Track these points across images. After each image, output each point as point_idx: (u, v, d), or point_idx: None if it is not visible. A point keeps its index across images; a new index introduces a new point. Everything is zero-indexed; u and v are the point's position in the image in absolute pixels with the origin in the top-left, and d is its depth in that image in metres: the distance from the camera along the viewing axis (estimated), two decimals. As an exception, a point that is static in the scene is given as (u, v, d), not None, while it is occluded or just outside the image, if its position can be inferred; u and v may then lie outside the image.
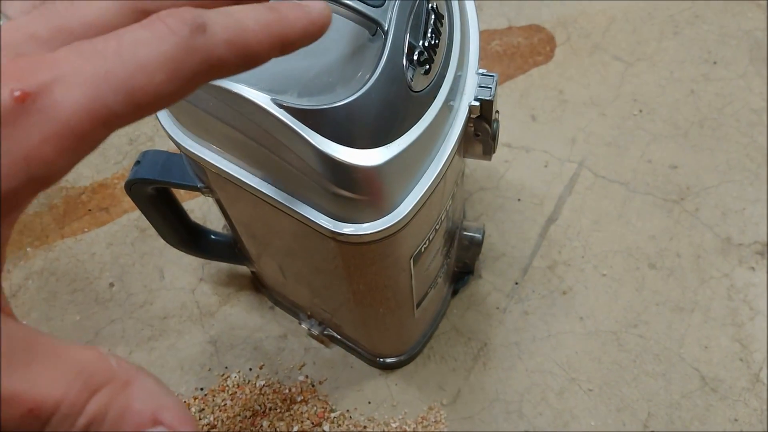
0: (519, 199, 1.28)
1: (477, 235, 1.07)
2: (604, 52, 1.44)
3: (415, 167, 0.74)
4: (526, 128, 1.36)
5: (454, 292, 1.17)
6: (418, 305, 0.98)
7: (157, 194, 0.96)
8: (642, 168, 1.30)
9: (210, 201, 1.22)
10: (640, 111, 1.37)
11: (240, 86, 0.61)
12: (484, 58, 1.41)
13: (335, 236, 0.71)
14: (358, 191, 0.69)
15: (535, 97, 1.40)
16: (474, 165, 1.32)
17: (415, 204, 0.73)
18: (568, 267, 1.19)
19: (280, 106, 0.62)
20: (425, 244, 0.85)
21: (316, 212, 0.72)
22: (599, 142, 1.33)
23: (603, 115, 1.37)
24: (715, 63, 1.41)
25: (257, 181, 0.73)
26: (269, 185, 0.72)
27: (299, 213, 0.72)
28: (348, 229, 0.71)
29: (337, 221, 0.71)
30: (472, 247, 1.08)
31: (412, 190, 0.74)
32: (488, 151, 0.86)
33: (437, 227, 0.87)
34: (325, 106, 0.64)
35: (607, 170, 1.30)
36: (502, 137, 1.35)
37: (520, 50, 1.45)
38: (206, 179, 0.86)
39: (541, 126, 1.37)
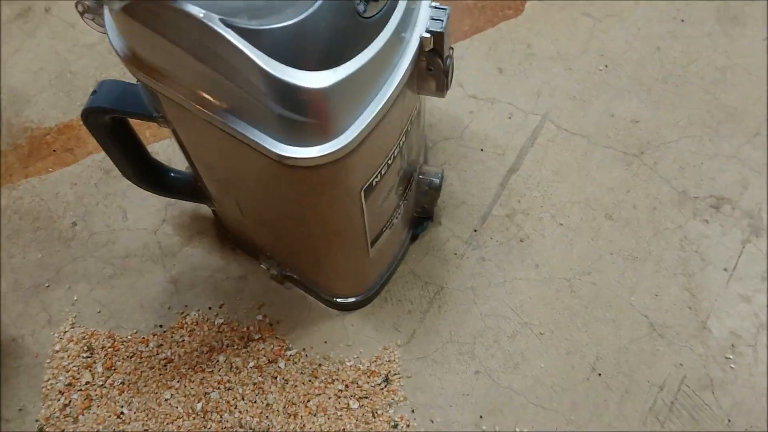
0: (482, 149, 1.29)
1: (435, 179, 1.08)
2: (574, 8, 1.44)
3: (362, 94, 0.74)
4: (492, 81, 1.37)
5: (413, 238, 1.18)
6: (372, 243, 0.99)
7: (114, 125, 0.96)
8: (604, 122, 1.31)
9: (175, 145, 1.22)
10: (606, 66, 1.38)
11: (192, 6, 0.62)
12: (454, 10, 1.41)
13: (283, 160, 0.72)
14: (304, 113, 0.70)
15: (503, 50, 1.41)
16: (439, 115, 1.33)
17: (362, 130, 0.74)
18: (526, 216, 1.21)
19: (229, 26, 0.63)
20: (377, 177, 0.86)
21: (265, 136, 0.72)
22: (564, 96, 1.35)
23: (569, 69, 1.38)
24: (682, 21, 1.42)
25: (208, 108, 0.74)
26: (219, 110, 0.73)
27: (248, 137, 0.72)
28: (295, 152, 0.71)
29: (285, 145, 0.71)
30: (430, 191, 1.09)
31: (359, 116, 0.74)
32: (441, 87, 0.87)
33: (389, 162, 0.88)
34: (273, 26, 0.64)
35: (570, 123, 1.31)
36: (468, 89, 1.36)
37: (490, 4, 1.46)
38: (161, 108, 0.86)
39: (507, 79, 1.38)
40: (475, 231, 1.19)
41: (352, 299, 1.10)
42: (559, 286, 1.14)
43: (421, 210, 1.13)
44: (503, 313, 1.12)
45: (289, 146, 0.72)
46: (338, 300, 1.10)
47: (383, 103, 0.75)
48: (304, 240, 0.97)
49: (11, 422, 1.08)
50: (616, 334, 1.09)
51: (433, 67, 0.82)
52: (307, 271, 1.09)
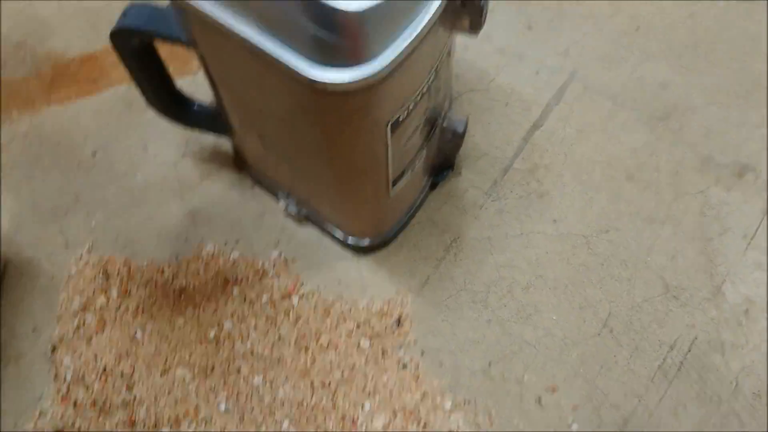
0: (507, 104, 1.28)
1: (459, 127, 1.08)
2: (609, -33, 1.42)
3: (397, 21, 0.74)
4: (521, 36, 1.36)
5: (433, 186, 1.18)
6: (394, 183, 0.99)
7: (142, 50, 0.96)
8: (631, 84, 1.30)
9: (198, 81, 1.22)
10: (637, 29, 1.36)
11: None
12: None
13: (313, 84, 0.72)
14: (339, 35, 0.69)
15: (534, 7, 1.39)
16: (466, 67, 1.32)
17: (395, 58, 0.73)
18: (547, 171, 1.21)
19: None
20: (404, 113, 0.86)
21: (296, 59, 0.72)
22: (592, 56, 1.33)
23: (600, 30, 1.36)
24: (717, -12, 1.39)
25: (240, 26, 0.73)
26: (252, 30, 0.72)
27: (279, 59, 0.72)
28: (326, 76, 0.71)
29: (316, 70, 0.71)
30: (453, 138, 1.09)
31: (392, 44, 0.74)
32: (475, 26, 0.86)
33: (417, 98, 0.88)
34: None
35: (597, 83, 1.30)
36: (497, 43, 1.35)
37: (524, -42, 1.43)
38: (191, 30, 0.86)
39: (536, 35, 1.36)
40: (496, 183, 1.19)
41: (369, 242, 1.10)
42: (575, 242, 1.13)
43: (443, 158, 1.12)
44: (518, 264, 1.12)
45: (320, 71, 0.71)
46: (354, 242, 1.10)
47: (417, 32, 0.74)
48: (325, 177, 0.97)
49: (25, 341, 1.09)
50: (630, 292, 1.09)
51: (467, 3, 0.81)
52: (325, 210, 1.09)
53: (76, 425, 1.02)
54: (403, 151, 0.95)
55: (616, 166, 1.21)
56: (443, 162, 1.14)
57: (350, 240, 1.11)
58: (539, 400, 1.03)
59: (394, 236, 1.14)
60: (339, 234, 1.12)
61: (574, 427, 1.02)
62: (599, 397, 1.04)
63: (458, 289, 1.11)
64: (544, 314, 1.09)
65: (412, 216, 1.15)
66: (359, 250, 1.13)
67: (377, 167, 0.93)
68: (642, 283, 1.11)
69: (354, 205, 1.03)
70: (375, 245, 1.12)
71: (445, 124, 1.07)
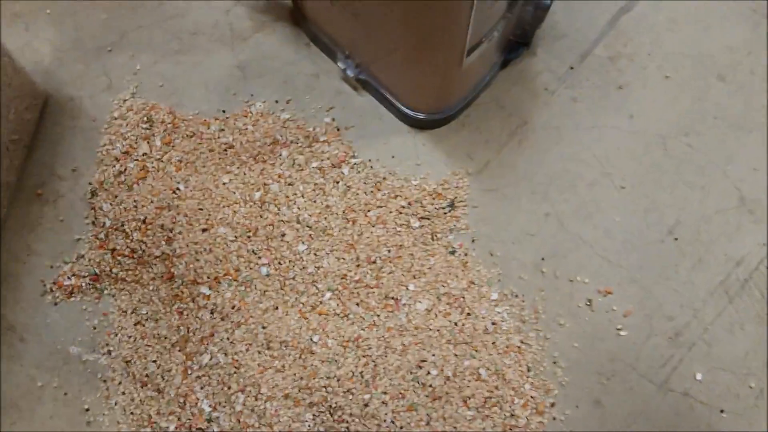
0: (595, -19, 1.15)
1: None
2: None
3: None
4: None
5: (504, 64, 1.08)
6: (469, 52, 0.89)
7: None
8: (739, -28, 1.15)
9: None
10: None
11: None
12: None
13: None
14: None
15: None
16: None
17: None
18: (630, 62, 1.10)
19: None
20: (496, -30, 0.75)
21: None
22: (699, -65, 1.18)
23: None
24: None
25: None
26: None
27: None
28: None
29: None
30: (537, 11, 0.98)
31: None
32: None
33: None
34: None
35: (700, -33, 1.15)
36: None
37: None
38: None
39: None
40: (572, 68, 1.08)
41: (429, 116, 1.02)
42: (651, 141, 1.04)
43: (520, 33, 1.02)
44: (585, 159, 1.04)
45: None
46: (414, 114, 1.02)
47: None
48: (396, 37, 0.88)
49: (64, 181, 1.05)
50: (703, 201, 1.01)
51: None
52: (387, 77, 1.00)
53: (113, 272, 0.99)
54: (487, 14, 0.85)
55: (707, 64, 1.10)
56: (520, 37, 1.04)
57: (410, 112, 1.03)
58: (590, 302, 0.99)
59: (457, 114, 1.06)
60: (398, 105, 1.04)
61: (623, 333, 0.97)
62: (653, 305, 0.99)
63: (518, 178, 1.04)
64: (606, 214, 1.03)
65: (478, 95, 1.06)
66: (418, 124, 1.06)
67: (456, 30, 0.84)
68: (717, 192, 1.03)
69: (421, 72, 0.94)
70: (436, 120, 1.04)
71: (531, -6, 0.96)
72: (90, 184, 1.05)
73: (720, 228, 1.01)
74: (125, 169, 1.03)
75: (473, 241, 1.02)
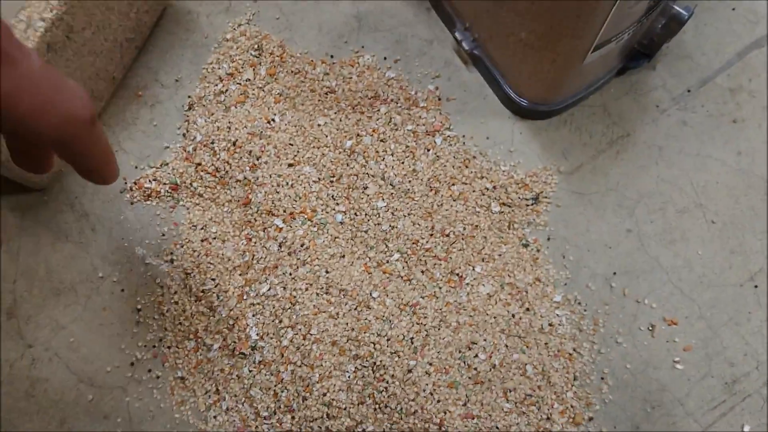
0: (733, 9, 1.11)
1: (683, 12, 0.93)
2: None
3: None
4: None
5: (622, 71, 1.05)
6: (595, 49, 0.87)
7: None
8: None
9: None
10: None
11: None
12: None
13: None
14: None
15: None
16: (702, -48, 1.14)
17: None
18: (751, 98, 1.06)
19: None
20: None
21: None
22: None
23: None
24: None
25: None
26: None
27: None
28: None
29: None
30: (671, 23, 0.94)
31: None
32: None
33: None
34: None
35: None
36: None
37: None
38: None
39: (797, -59, 1.15)
40: (689, 91, 1.05)
41: (534, 105, 1.00)
42: (753, 183, 1.01)
43: (647, 43, 0.99)
44: (682, 185, 1.01)
45: None
46: (519, 100, 1.01)
47: None
48: (524, 20, 0.86)
49: (166, 89, 1.07)
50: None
51: None
52: (502, 56, 0.99)
53: (193, 186, 1.01)
54: (624, 15, 0.83)
55: (831, 118, 1.05)
56: (645, 48, 1.01)
57: (515, 97, 1.01)
58: (652, 328, 0.96)
59: (562, 109, 1.04)
60: (506, 87, 1.02)
61: (679, 366, 0.95)
62: (716, 347, 0.96)
63: (609, 188, 1.02)
64: (690, 244, 0.99)
65: (588, 96, 1.04)
66: (520, 112, 1.04)
67: (590, 24, 0.82)
68: (810, 250, 0.99)
69: (540, 60, 0.93)
70: (539, 111, 1.02)
71: (670, 3, 0.93)
72: (189, 97, 1.07)
73: (805, 286, 0.97)
74: (226, 90, 1.04)
75: (549, 239, 1.00)
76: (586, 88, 1.03)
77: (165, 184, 1.03)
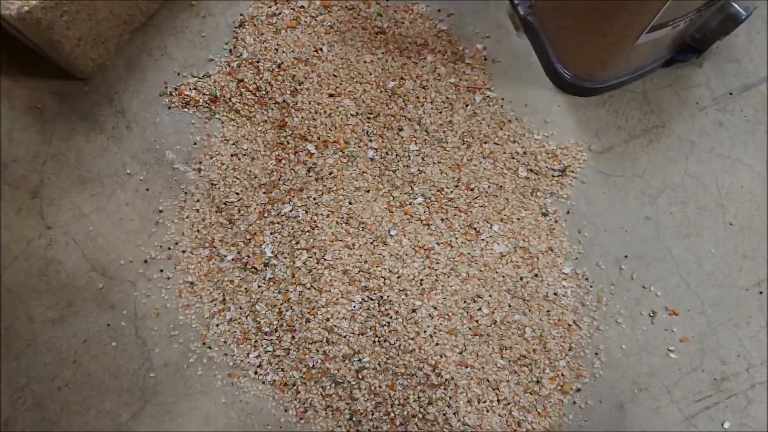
0: (789, 21, 1.11)
1: (741, 12, 0.94)
2: None
3: None
4: None
5: (669, 62, 1.06)
6: (650, 30, 0.88)
7: None
8: None
9: None
10: None
11: None
12: None
13: None
14: None
15: None
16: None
17: None
18: (790, 111, 1.06)
19: None
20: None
21: None
22: None
23: None
24: None
25: None
26: None
27: None
28: None
29: None
30: (726, 21, 0.95)
31: None
32: None
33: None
34: None
35: None
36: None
37: None
38: None
39: None
40: (731, 94, 1.06)
41: (578, 81, 1.02)
42: (777, 193, 1.02)
43: (699, 38, 1.00)
44: (707, 183, 1.02)
45: None
46: (564, 73, 1.02)
47: None
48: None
49: (219, 3, 1.08)
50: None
51: None
52: (555, 26, 1.00)
53: (232, 101, 1.03)
54: (685, 0, 0.84)
55: None
56: (696, 42, 1.02)
57: (560, 69, 1.02)
58: (653, 314, 0.98)
59: (604, 89, 1.05)
60: (553, 58, 1.03)
61: (673, 355, 0.97)
62: (712, 343, 0.98)
63: (635, 173, 1.03)
64: (704, 241, 1.01)
65: (632, 80, 1.05)
66: (562, 85, 1.05)
67: (650, 4, 0.82)
68: (820, 268, 1.00)
69: (593, 34, 0.94)
70: (580, 87, 1.04)
71: (729, 1, 0.94)
72: (242, 15, 1.08)
73: (809, 301, 0.99)
74: (279, 13, 1.06)
75: (568, 212, 1.02)
76: (632, 73, 1.04)
77: (205, 94, 1.04)
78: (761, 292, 0.99)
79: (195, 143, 1.05)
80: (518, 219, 0.99)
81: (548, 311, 0.96)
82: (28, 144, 1.03)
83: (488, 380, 0.92)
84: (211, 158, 1.02)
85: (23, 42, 0.95)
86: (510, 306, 0.95)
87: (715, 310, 0.99)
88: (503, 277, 0.96)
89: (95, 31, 1.00)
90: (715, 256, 1.00)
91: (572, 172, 1.02)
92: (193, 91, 1.04)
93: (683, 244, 1.01)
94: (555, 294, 0.97)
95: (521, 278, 0.96)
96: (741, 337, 0.97)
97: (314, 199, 0.96)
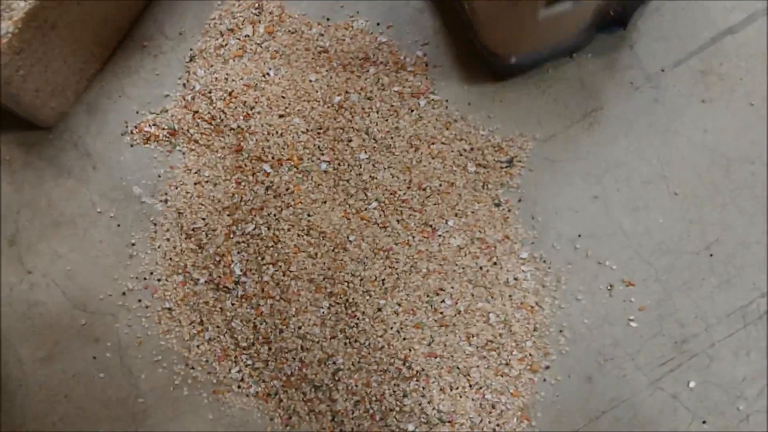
0: (711, -4, 1.17)
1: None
2: None
3: None
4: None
5: (600, 30, 1.10)
6: (550, 3, 0.93)
7: None
8: None
9: None
10: None
11: None
12: None
13: None
14: None
15: None
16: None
17: None
18: (720, 80, 1.12)
19: None
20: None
21: None
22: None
23: None
24: None
25: None
26: None
27: None
28: None
29: None
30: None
31: None
32: None
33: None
34: None
35: (818, 11, 1.16)
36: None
37: None
38: None
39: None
40: (663, 71, 1.12)
41: (499, 59, 1.05)
42: (716, 159, 1.07)
43: (621, 11, 1.04)
44: (648, 158, 1.08)
45: None
46: (486, 50, 1.05)
47: None
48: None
49: (169, 41, 1.14)
50: (747, 228, 1.04)
51: None
52: (475, 7, 1.03)
53: (190, 132, 1.08)
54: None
55: (794, 103, 1.11)
56: (619, 15, 1.07)
57: (483, 47, 1.06)
58: (611, 287, 1.03)
59: (527, 66, 1.09)
60: (479, 43, 1.07)
61: (633, 324, 1.01)
62: (669, 308, 1.03)
63: (579, 156, 1.09)
64: (651, 213, 1.06)
65: (558, 56, 1.10)
66: (497, 68, 1.09)
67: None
68: (763, 224, 1.06)
69: (504, 10, 0.97)
70: (505, 66, 1.07)
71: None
72: (191, 49, 1.13)
73: (756, 258, 1.04)
74: (226, 44, 1.11)
75: (520, 200, 1.07)
76: (553, 49, 1.09)
77: (164, 129, 1.10)
78: (711, 255, 1.04)
79: (159, 176, 1.10)
80: (472, 212, 1.04)
81: (510, 296, 1.01)
82: (1, 196, 1.08)
83: (458, 368, 0.97)
84: (176, 188, 1.07)
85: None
86: (472, 295, 1.00)
87: (668, 277, 1.03)
88: (463, 268, 1.01)
89: (52, 80, 1.05)
90: (664, 226, 1.05)
91: (519, 161, 1.08)
92: (153, 127, 1.10)
93: (632, 217, 1.06)
94: (515, 279, 1.02)
95: (481, 267, 1.01)
96: (696, 300, 1.02)
97: (275, 215, 1.01)
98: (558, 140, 1.10)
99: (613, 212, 1.06)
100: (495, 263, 1.02)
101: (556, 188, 1.07)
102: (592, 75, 1.13)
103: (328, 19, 1.15)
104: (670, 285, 1.03)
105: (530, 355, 0.99)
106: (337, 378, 0.96)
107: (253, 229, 1.00)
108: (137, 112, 1.12)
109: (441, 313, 0.98)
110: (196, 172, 1.07)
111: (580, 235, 1.05)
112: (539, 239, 1.05)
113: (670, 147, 1.09)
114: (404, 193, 1.02)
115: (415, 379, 0.94)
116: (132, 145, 1.10)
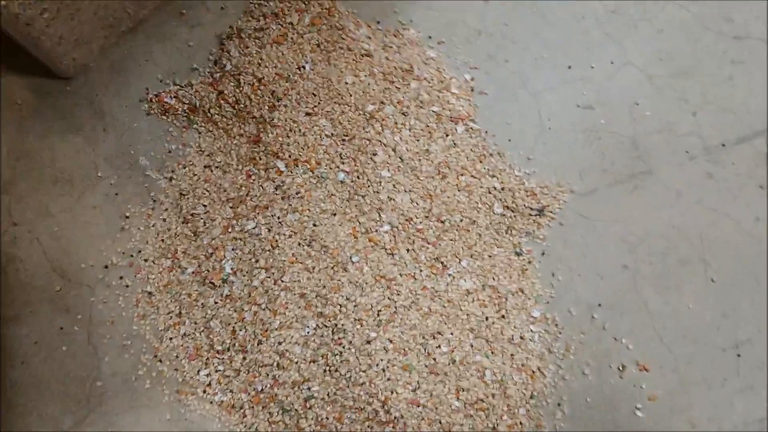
0: (791, 76, 1.08)
1: None
2: None
3: None
4: None
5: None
6: None
7: None
8: None
9: None
10: None
11: None
12: None
13: None
14: None
15: None
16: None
17: None
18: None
19: None
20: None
21: None
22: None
23: None
24: None
25: None
26: None
27: None
28: None
29: None
30: None
31: None
32: None
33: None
34: None
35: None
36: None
37: None
38: None
39: None
40: (723, 145, 1.03)
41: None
42: (763, 252, 0.98)
43: None
44: (690, 237, 0.99)
45: None
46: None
47: None
48: None
49: (209, 14, 1.08)
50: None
51: None
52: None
53: (211, 112, 1.01)
54: None
55: None
56: None
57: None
58: (623, 368, 0.94)
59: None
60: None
61: (640, 414, 0.92)
62: (683, 404, 0.93)
63: (617, 219, 1.00)
64: (683, 296, 0.97)
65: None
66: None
67: None
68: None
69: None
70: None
71: None
72: (230, 27, 1.07)
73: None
74: (267, 28, 1.04)
75: (543, 254, 0.98)
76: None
77: (184, 103, 1.03)
78: (739, 355, 0.94)
79: (170, 152, 1.03)
80: (489, 256, 0.95)
81: (512, 355, 0.92)
82: (3, 139, 1.02)
83: (440, 422, 0.88)
84: (184, 168, 1.01)
85: (8, 36, 0.95)
86: (472, 346, 0.91)
87: (688, 369, 0.94)
88: (467, 315, 0.92)
89: (78, 31, 0.99)
90: (693, 312, 0.96)
91: (551, 212, 0.99)
92: (174, 99, 1.03)
93: (661, 297, 0.96)
94: (521, 337, 0.93)
95: (486, 318, 0.93)
96: (714, 400, 0.93)
97: (278, 218, 0.93)
98: (597, 197, 1.01)
99: (641, 287, 0.97)
100: (503, 316, 0.93)
101: (585, 248, 0.98)
102: (646, 136, 1.04)
103: (378, 22, 1.08)
104: (688, 378, 0.94)
105: (521, 423, 0.90)
106: (308, 405, 0.88)
107: (253, 228, 0.93)
108: (161, 81, 1.05)
109: (434, 359, 0.89)
110: (208, 155, 1.00)
111: (600, 305, 0.96)
112: (555, 300, 0.96)
113: (716, 229, 1.00)
114: (421, 222, 0.94)
115: (391, 425, 0.85)
116: (148, 114, 1.04)
